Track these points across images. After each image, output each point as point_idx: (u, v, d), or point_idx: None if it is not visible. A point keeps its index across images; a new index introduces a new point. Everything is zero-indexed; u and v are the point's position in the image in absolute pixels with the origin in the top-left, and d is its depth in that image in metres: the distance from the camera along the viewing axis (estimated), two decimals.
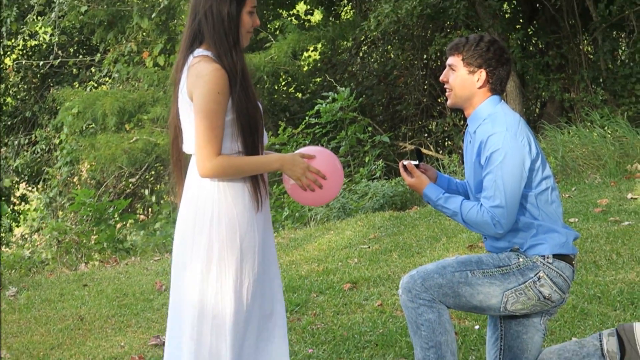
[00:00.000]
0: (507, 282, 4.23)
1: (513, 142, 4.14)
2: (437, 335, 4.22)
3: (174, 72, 4.03)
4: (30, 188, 21.31)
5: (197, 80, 3.82)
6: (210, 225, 3.92)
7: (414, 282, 4.24)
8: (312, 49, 16.86)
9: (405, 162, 4.43)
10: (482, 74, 4.29)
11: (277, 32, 16.00)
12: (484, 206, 4.15)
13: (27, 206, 20.93)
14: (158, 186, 18.66)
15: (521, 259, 4.24)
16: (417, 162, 4.47)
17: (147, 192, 18.29)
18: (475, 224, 4.20)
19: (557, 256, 4.24)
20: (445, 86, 4.45)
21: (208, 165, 3.83)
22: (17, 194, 21.28)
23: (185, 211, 4.01)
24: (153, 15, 17.12)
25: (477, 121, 4.33)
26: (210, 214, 3.92)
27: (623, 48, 14.87)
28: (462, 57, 4.33)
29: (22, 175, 20.57)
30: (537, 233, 4.25)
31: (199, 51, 3.92)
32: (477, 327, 5.70)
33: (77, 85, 20.69)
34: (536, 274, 4.21)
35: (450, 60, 4.39)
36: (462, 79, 4.34)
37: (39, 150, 20.19)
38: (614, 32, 14.66)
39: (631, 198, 9.00)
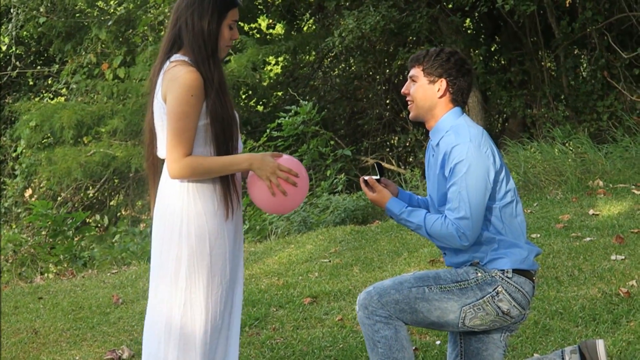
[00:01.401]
0: (464, 297, 4.21)
1: (477, 153, 4.13)
2: (394, 352, 4.19)
3: (150, 77, 4.02)
4: None
5: (172, 83, 3.84)
6: (180, 234, 3.93)
7: (371, 298, 4.21)
8: (273, 62, 16.86)
9: (367, 177, 4.41)
10: (442, 84, 4.29)
11: (237, 45, 15.96)
12: (449, 218, 4.13)
13: None
14: (116, 198, 18.56)
15: (480, 274, 4.23)
16: (378, 177, 4.45)
17: (108, 203, 18.23)
18: (440, 237, 4.17)
19: (516, 271, 4.23)
20: (407, 98, 4.44)
21: (176, 166, 3.84)
22: None
23: (158, 220, 4.00)
24: (109, 24, 17.05)
25: (440, 133, 4.32)
26: (179, 222, 3.92)
27: (585, 65, 14.96)
28: (422, 68, 4.34)
29: None
30: (498, 247, 4.24)
31: (176, 56, 3.94)
32: (438, 342, 5.69)
33: (33, 97, 20.55)
34: (494, 289, 4.19)
35: (412, 72, 4.39)
36: (423, 89, 4.33)
37: None
38: (576, 49, 14.75)
39: (593, 214, 9.04)
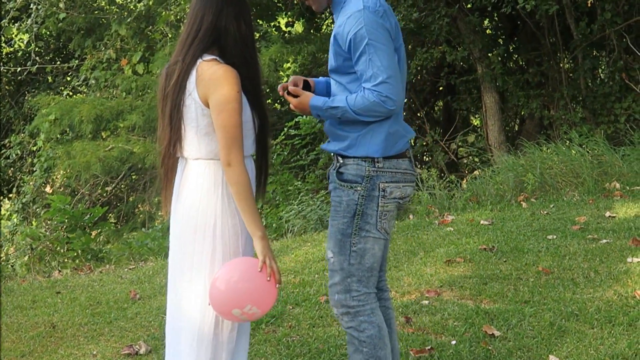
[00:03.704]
0: (370, 219, 4.19)
1: (373, 17, 4.03)
2: (377, 351, 4.21)
3: (178, 75, 3.99)
4: (1, 196, 21.20)
5: (213, 83, 3.86)
6: (214, 231, 3.96)
7: (344, 300, 4.24)
8: (292, 60, 16.87)
9: (290, 87, 4.33)
10: None
11: (258, 43, 15.97)
12: (367, 89, 4.01)
13: None
14: (133, 195, 18.61)
15: (359, 189, 4.17)
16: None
17: (126, 199, 18.28)
18: (366, 110, 4.04)
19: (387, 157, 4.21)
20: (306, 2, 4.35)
21: (236, 165, 3.89)
22: None
23: (185, 218, 4.02)
24: (129, 20, 17.10)
25: (339, 4, 4.23)
26: (213, 220, 3.96)
27: (603, 67, 14.93)
28: None
29: None
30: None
31: (206, 56, 3.94)
32: (453, 342, 5.69)
33: (52, 93, 20.61)
34: (379, 189, 4.18)
35: None
36: None
37: (13, 156, 20.10)
38: (595, 51, 14.71)
39: (609, 216, 9.03)
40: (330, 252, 4.28)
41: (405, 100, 16.24)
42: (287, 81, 4.48)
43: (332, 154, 4.35)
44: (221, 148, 3.87)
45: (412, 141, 16.43)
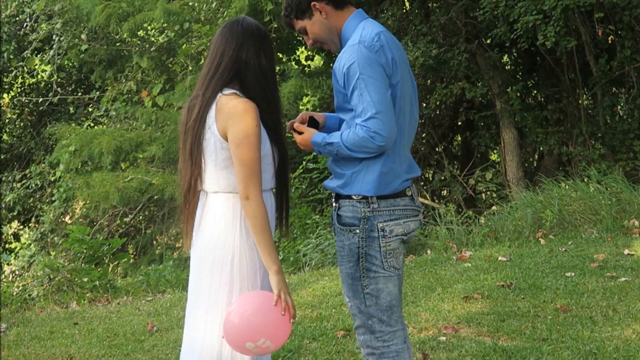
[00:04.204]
0: (375, 261, 4.18)
1: (367, 52, 4.03)
2: None
3: (198, 109, 4.02)
4: (21, 226, 21.29)
5: (232, 117, 3.89)
6: (232, 265, 3.97)
7: (369, 340, 4.23)
8: (311, 94, 16.92)
9: (295, 124, 4.34)
10: (317, 7, 4.26)
11: (279, 76, 16.02)
12: (358, 124, 3.99)
13: (18, 244, 20.88)
14: (152, 227, 18.64)
15: (357, 231, 4.15)
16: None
17: (144, 230, 18.32)
18: (357, 146, 4.02)
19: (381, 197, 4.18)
20: (317, 44, 4.41)
21: (254, 198, 3.92)
22: (10, 231, 21.24)
23: (203, 250, 4.03)
24: (151, 50, 17.20)
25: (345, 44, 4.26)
26: (231, 254, 3.97)
27: (622, 104, 14.91)
28: (297, 17, 4.31)
29: (14, 211, 20.56)
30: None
31: (227, 90, 3.97)
32: None
33: (73, 124, 20.72)
34: (377, 229, 4.16)
35: (298, 27, 4.35)
36: (315, 26, 4.30)
37: (32, 185, 20.20)
38: (614, 88, 14.69)
39: (628, 254, 8.99)
40: (346, 296, 4.30)
41: (424, 135, 16.36)
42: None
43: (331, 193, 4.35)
44: (239, 182, 3.89)
45: (430, 175, 16.45)
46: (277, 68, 17.05)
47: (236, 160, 3.88)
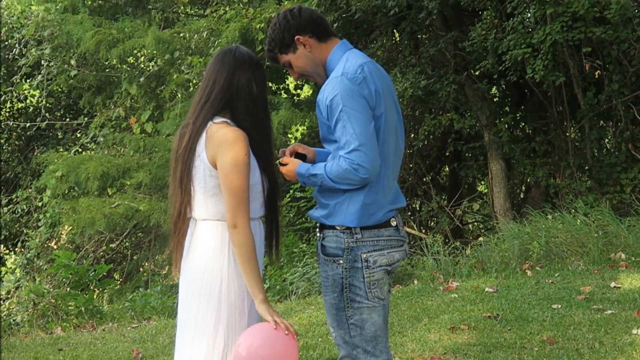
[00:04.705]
0: (358, 291, 4.16)
1: (349, 84, 4.04)
2: None
3: (189, 137, 4.05)
4: (6, 250, 21.24)
5: (221, 145, 3.90)
6: (219, 293, 3.97)
7: None
8: (300, 123, 16.96)
9: (281, 159, 4.34)
10: (300, 40, 4.27)
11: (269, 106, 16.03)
12: (342, 156, 4.00)
13: (4, 268, 20.83)
14: (138, 253, 18.62)
15: (341, 262, 4.15)
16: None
17: (130, 256, 18.30)
18: (340, 178, 4.02)
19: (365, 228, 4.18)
20: (302, 77, 4.44)
21: (241, 227, 3.92)
22: None
23: (191, 278, 4.03)
24: (141, 79, 17.24)
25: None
26: (219, 281, 3.97)
27: (609, 137, 14.96)
28: (280, 52, 4.32)
29: (1, 236, 20.53)
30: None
31: (217, 118, 3.97)
32: None
33: (61, 149, 20.75)
34: (361, 260, 4.15)
35: (282, 62, 4.36)
36: (299, 59, 4.31)
37: (19, 210, 20.17)
38: (601, 121, 14.74)
39: (614, 287, 9.01)
40: (331, 327, 4.30)
41: (411, 165, 16.39)
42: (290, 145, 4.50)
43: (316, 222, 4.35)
44: (227, 210, 3.90)
45: (418, 206, 16.46)
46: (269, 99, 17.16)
47: (224, 189, 3.89)
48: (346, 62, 4.15)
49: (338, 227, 4.13)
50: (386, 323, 4.31)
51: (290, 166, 4.25)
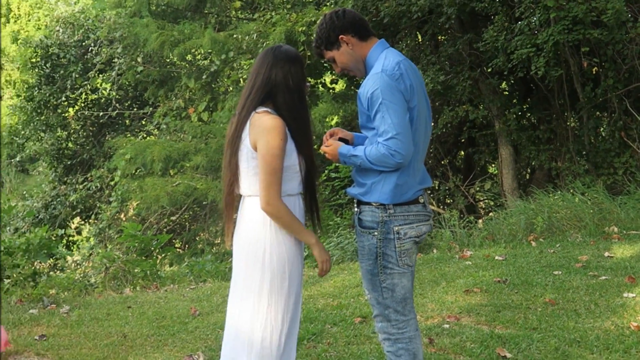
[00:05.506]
0: (391, 259, 4.17)
1: (388, 80, 4.03)
2: None
3: (235, 125, 4.08)
4: (82, 222, 21.42)
5: (261, 131, 3.92)
6: (263, 260, 3.99)
7: (385, 327, 4.25)
8: (335, 113, 16.93)
9: (325, 142, 4.35)
10: (343, 39, 4.25)
11: (308, 99, 16.00)
12: (380, 143, 3.99)
13: (80, 237, 21.01)
14: (195, 224, 18.69)
15: (376, 233, 4.15)
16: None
17: (189, 227, 18.39)
18: (378, 161, 4.02)
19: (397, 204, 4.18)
20: (345, 72, 4.40)
21: (273, 203, 3.94)
22: (73, 226, 21.36)
23: (241, 248, 4.05)
24: (204, 77, 17.30)
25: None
26: (262, 250, 3.99)
27: (604, 126, 14.81)
28: (326, 48, 4.31)
29: (77, 209, 20.71)
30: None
31: (260, 108, 3.99)
32: None
33: (129, 135, 20.89)
34: (393, 232, 4.15)
35: (327, 57, 4.35)
36: (343, 56, 4.31)
37: (93, 187, 20.32)
38: (598, 112, 14.60)
39: (608, 256, 8.95)
40: (366, 290, 4.30)
41: (431, 150, 16.33)
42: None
43: (353, 199, 4.35)
44: (261, 188, 3.92)
45: (436, 185, 16.41)
46: (309, 92, 17.13)
47: (260, 169, 3.91)
48: (385, 59, 4.13)
49: (374, 204, 4.13)
50: (412, 287, 4.32)
51: (334, 146, 4.27)
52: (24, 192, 22.74)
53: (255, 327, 3.99)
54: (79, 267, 17.14)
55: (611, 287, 7.48)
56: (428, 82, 13.58)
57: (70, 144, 22.06)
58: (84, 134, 21.97)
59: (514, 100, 15.85)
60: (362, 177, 4.19)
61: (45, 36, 21.33)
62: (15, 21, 37.16)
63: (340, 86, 18.68)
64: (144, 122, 21.35)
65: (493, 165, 17.57)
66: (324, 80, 18.18)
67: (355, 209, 4.28)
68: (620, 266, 8.37)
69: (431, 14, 14.40)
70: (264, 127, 3.91)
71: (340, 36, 4.24)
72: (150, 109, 20.57)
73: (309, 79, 17.30)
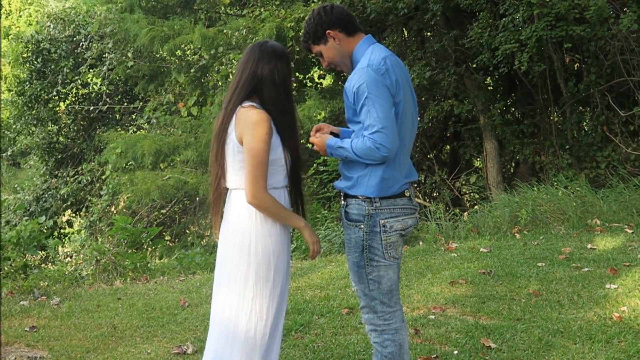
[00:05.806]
0: (377, 252, 4.15)
1: (374, 74, 4.00)
2: None
3: (222, 120, 4.07)
4: (73, 215, 21.37)
5: (247, 126, 3.91)
6: (249, 251, 3.98)
7: (372, 319, 4.22)
8: (322, 109, 16.92)
9: (312, 135, 4.34)
10: (330, 34, 4.22)
11: (296, 94, 15.99)
12: (366, 136, 3.96)
13: (71, 230, 20.95)
14: (185, 217, 18.66)
15: (362, 226, 4.12)
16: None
17: (178, 220, 18.35)
18: (363, 154, 3.99)
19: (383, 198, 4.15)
20: (331, 66, 4.36)
21: (259, 196, 3.93)
22: (64, 219, 21.31)
23: (227, 240, 4.04)
24: (192, 71, 17.25)
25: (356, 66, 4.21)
26: (248, 241, 3.98)
27: (587, 120, 14.84)
28: (313, 43, 4.28)
29: (68, 202, 20.65)
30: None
31: (246, 103, 3.97)
32: (455, 352, 5.64)
33: (119, 129, 20.83)
34: (379, 225, 4.12)
35: (315, 51, 4.32)
36: (330, 50, 4.28)
37: (84, 181, 20.27)
38: (580, 107, 14.64)
39: (590, 248, 8.96)
40: (353, 282, 4.28)
41: (417, 144, 16.33)
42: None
43: (340, 192, 4.34)
44: (247, 181, 3.91)
45: (422, 179, 16.42)
46: (297, 88, 17.08)
47: (245, 162, 3.90)
48: (371, 54, 4.10)
49: (360, 197, 4.11)
50: (398, 279, 4.30)
51: (322, 138, 4.25)
52: (15, 185, 22.67)
53: (240, 317, 3.98)
54: (70, 259, 17.09)
55: (594, 279, 7.49)
56: (414, 78, 13.60)
57: (61, 138, 22.00)
58: (75, 128, 21.89)
59: (499, 95, 15.88)
60: (349, 171, 4.17)
61: (36, 32, 21.26)
62: (7, 17, 37.00)
63: (327, 81, 18.66)
64: (134, 117, 21.30)
65: (478, 159, 17.59)
66: (312, 75, 18.16)
67: (342, 202, 4.26)
68: (602, 258, 8.39)
69: (417, 10, 14.42)
70: (249, 121, 3.89)
71: (328, 31, 4.22)
72: (141, 103, 20.51)
73: (297, 74, 17.28)
